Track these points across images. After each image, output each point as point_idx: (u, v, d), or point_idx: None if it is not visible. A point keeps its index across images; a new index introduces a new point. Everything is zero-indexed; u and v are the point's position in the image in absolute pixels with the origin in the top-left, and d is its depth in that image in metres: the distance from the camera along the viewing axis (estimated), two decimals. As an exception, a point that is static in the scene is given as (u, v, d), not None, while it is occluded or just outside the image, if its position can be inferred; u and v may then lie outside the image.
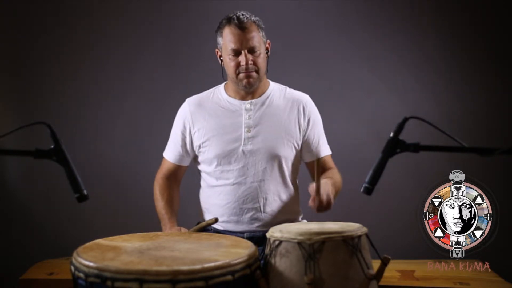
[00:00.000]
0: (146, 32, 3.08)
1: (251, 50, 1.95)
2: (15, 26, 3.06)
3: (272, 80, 2.14)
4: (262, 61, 1.98)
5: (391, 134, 1.41)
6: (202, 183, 2.12)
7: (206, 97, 2.11)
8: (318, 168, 1.72)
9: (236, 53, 1.95)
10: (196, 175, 2.16)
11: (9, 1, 3.06)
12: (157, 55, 3.09)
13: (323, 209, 1.79)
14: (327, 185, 1.82)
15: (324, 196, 1.76)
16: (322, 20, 3.04)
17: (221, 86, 2.12)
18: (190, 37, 3.05)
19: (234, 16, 1.95)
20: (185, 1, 3.07)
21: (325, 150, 2.11)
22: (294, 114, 2.05)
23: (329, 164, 2.11)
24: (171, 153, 2.13)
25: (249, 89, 2.01)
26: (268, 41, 2.05)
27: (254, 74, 1.97)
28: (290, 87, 2.15)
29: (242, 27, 1.93)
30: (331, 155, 2.14)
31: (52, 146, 1.40)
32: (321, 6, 3.03)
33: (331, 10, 3.03)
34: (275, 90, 2.10)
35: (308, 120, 2.06)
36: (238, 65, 1.96)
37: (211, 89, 2.14)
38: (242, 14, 1.95)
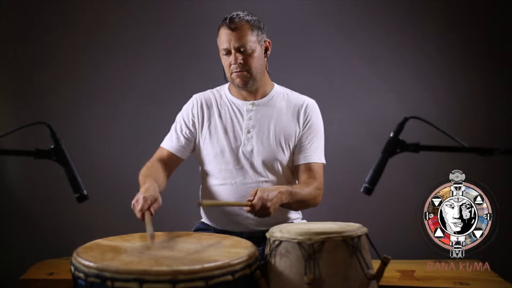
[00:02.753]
0: (146, 32, 3.07)
1: (240, 49, 1.94)
2: (15, 26, 3.05)
3: (273, 80, 2.14)
4: (255, 61, 1.97)
5: (391, 134, 1.41)
6: (202, 182, 2.12)
7: (211, 95, 2.12)
8: None
9: (227, 52, 1.97)
10: (196, 175, 2.16)
11: (9, 1, 3.06)
12: (157, 55, 3.09)
13: (258, 214, 1.79)
14: (271, 192, 1.80)
15: (257, 201, 1.76)
16: (322, 20, 3.04)
17: (226, 85, 2.14)
18: (190, 37, 3.05)
19: (228, 16, 1.96)
20: (185, 1, 3.06)
21: (315, 157, 2.02)
22: (294, 116, 2.04)
23: (314, 174, 2.00)
24: (170, 141, 2.10)
25: (244, 88, 2.01)
26: (268, 40, 2.05)
27: (245, 73, 1.97)
28: (290, 87, 2.15)
29: (231, 27, 1.94)
30: (330, 160, 2.09)
31: (52, 146, 1.40)
32: (321, 6, 3.03)
33: (331, 10, 3.03)
34: (279, 93, 2.09)
35: (306, 123, 2.04)
36: (230, 64, 1.98)
37: (217, 88, 2.16)
38: (236, 15, 1.96)
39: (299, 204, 1.94)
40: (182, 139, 2.08)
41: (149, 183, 1.83)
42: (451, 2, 2.95)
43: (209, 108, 2.08)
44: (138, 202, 1.73)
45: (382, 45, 3.00)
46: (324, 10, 3.03)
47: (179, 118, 2.13)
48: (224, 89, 2.13)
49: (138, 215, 1.72)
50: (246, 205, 1.78)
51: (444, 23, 2.96)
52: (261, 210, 1.78)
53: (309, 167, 2.01)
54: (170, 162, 2.08)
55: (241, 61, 1.95)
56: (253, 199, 1.78)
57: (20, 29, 3.06)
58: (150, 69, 3.08)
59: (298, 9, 3.05)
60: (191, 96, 2.15)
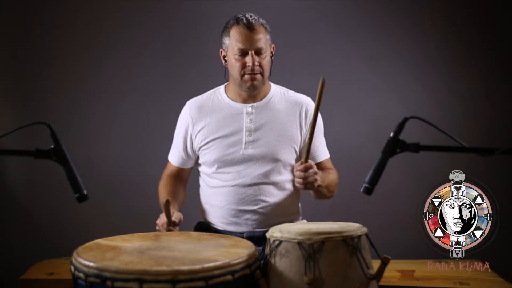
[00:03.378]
0: (146, 33, 3.08)
1: (258, 52, 1.94)
2: (15, 25, 3.05)
3: (272, 80, 2.13)
4: (267, 64, 1.98)
5: (391, 134, 1.41)
6: (202, 183, 2.12)
7: (206, 99, 2.10)
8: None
9: (243, 53, 1.94)
10: (196, 175, 2.16)
11: (9, 1, 3.06)
12: (157, 55, 3.09)
13: (307, 179, 1.83)
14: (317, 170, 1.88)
15: (309, 164, 1.83)
16: (322, 20, 3.04)
17: (221, 88, 2.11)
18: (190, 37, 3.05)
19: (243, 17, 1.95)
20: (185, 1, 3.07)
21: (323, 154, 2.11)
22: (295, 117, 2.04)
23: (327, 166, 2.11)
24: (174, 156, 2.14)
25: (253, 91, 2.00)
26: (273, 45, 2.05)
27: (258, 76, 1.96)
28: (290, 87, 2.15)
29: (250, 28, 1.92)
30: (330, 157, 2.15)
31: (52, 146, 1.40)
32: (321, 6, 3.03)
33: (331, 10, 3.03)
34: (277, 93, 2.09)
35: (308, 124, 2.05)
36: (244, 65, 1.95)
37: (211, 91, 2.13)
38: (251, 16, 1.95)
39: (326, 190, 2.00)
40: (183, 152, 2.10)
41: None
42: (451, 2, 2.95)
43: (205, 112, 2.06)
44: (160, 220, 1.90)
45: (382, 45, 3.00)
46: (324, 10, 3.03)
47: (177, 129, 2.13)
48: (219, 91, 2.10)
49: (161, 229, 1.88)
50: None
51: (444, 23, 2.96)
52: (312, 175, 1.84)
53: (321, 165, 2.08)
54: (181, 174, 2.17)
55: (258, 64, 1.94)
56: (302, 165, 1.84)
57: (20, 29, 3.06)
58: (150, 69, 3.08)
59: (298, 9, 3.05)
60: (191, 97, 2.14)
